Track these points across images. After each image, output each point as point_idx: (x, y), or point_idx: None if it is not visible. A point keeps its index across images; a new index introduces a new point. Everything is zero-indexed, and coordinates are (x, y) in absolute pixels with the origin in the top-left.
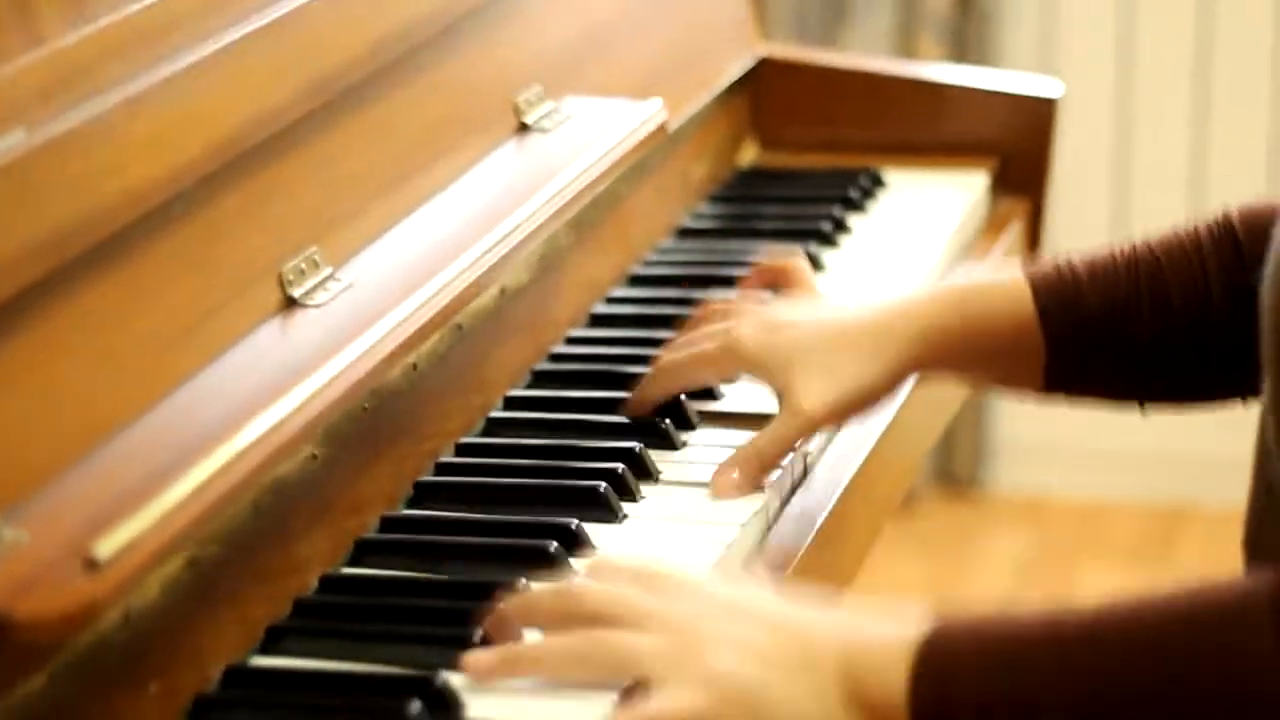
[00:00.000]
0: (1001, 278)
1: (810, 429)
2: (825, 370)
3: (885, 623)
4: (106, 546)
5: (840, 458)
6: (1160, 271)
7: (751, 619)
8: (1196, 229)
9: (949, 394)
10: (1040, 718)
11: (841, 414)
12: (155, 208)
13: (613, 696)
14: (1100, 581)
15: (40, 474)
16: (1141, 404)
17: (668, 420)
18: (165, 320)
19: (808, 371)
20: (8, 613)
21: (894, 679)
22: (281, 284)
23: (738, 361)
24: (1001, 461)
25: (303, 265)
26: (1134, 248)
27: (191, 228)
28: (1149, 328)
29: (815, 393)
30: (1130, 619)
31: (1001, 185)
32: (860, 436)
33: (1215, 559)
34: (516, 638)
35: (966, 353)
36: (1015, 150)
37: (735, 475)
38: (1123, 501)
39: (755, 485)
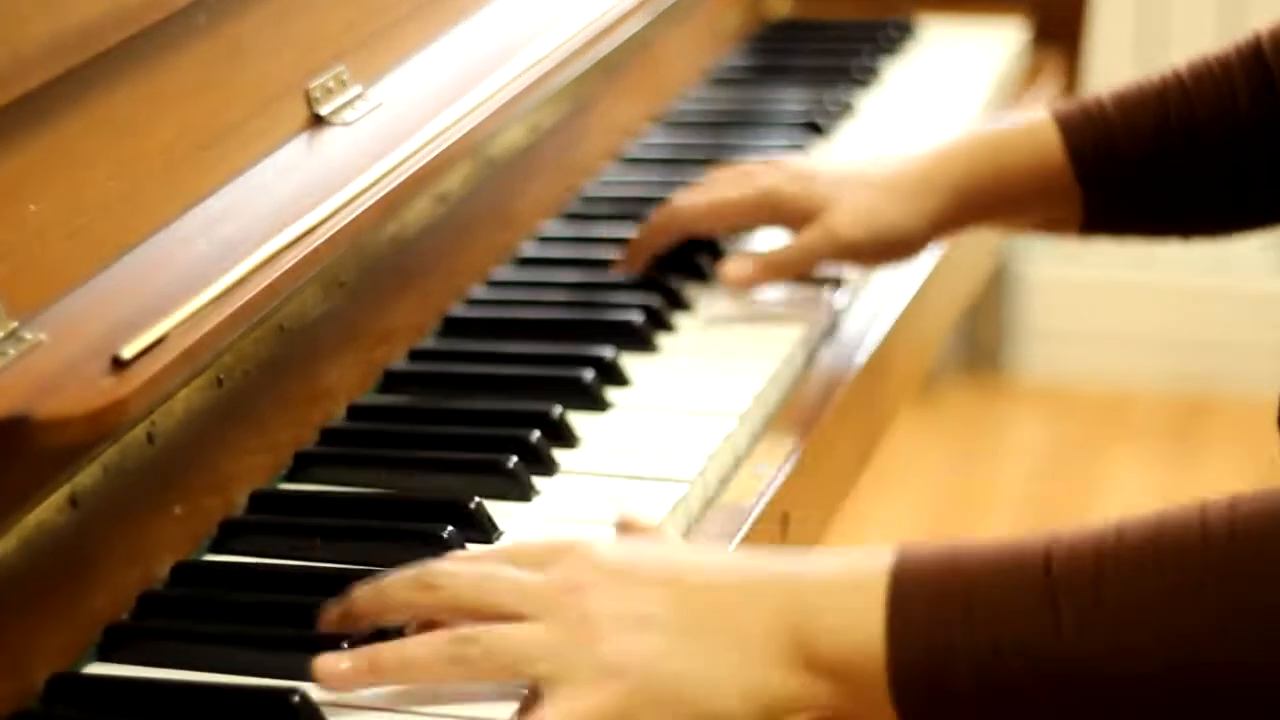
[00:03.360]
0: (1030, 122)
1: (838, 251)
2: (862, 205)
3: (835, 559)
4: (133, 346)
5: (870, 313)
6: (1190, 101)
7: (651, 583)
8: (1225, 55)
9: (980, 253)
10: (1057, 656)
11: (873, 248)
12: (178, 12)
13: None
14: (1125, 468)
15: (61, 281)
16: (1183, 236)
17: (704, 257)
18: (190, 131)
19: (844, 203)
20: (30, 413)
21: (859, 622)
22: (309, 101)
23: (770, 205)
24: (1026, 346)
25: (330, 83)
26: (1162, 79)
27: (216, 39)
28: (1182, 160)
29: (849, 217)
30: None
31: (1039, 35)
32: (891, 291)
33: (1241, 445)
34: (369, 628)
35: (1002, 201)
36: None
37: (750, 271)
38: (1149, 387)
39: (762, 284)
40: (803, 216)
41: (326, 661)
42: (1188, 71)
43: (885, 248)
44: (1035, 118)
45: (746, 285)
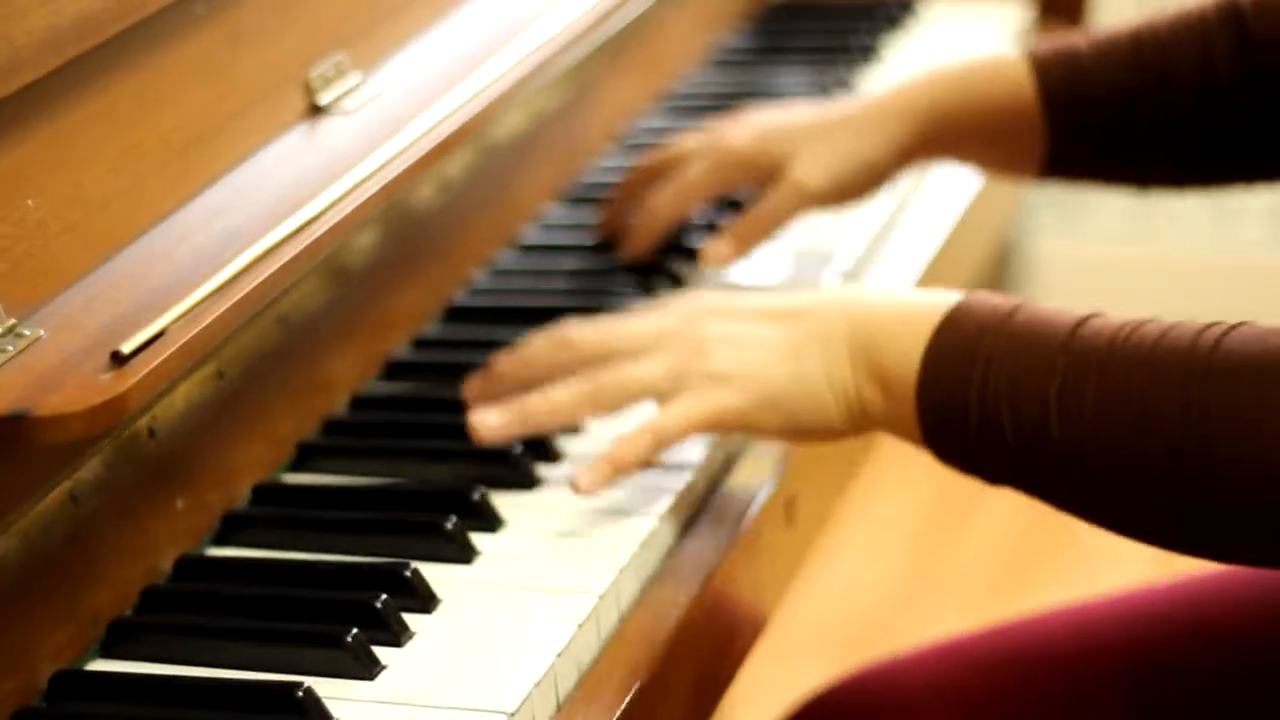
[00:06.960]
0: (1000, 59)
1: (807, 203)
2: (825, 148)
3: (908, 295)
4: (132, 341)
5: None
6: (1165, 51)
7: (751, 314)
8: (1202, 9)
9: (1001, 212)
10: (1047, 415)
11: (841, 190)
12: (177, 1)
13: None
14: None
15: (60, 276)
16: (1141, 185)
17: (701, 236)
18: (189, 123)
19: (806, 151)
20: (29, 410)
21: (908, 345)
22: (308, 90)
23: (733, 166)
24: None
25: (329, 72)
26: (1138, 29)
27: (214, 30)
28: (1153, 109)
29: (814, 166)
30: (1155, 345)
31: (1043, 13)
32: (901, 269)
33: None
34: (506, 395)
35: (966, 133)
36: None
37: (726, 249)
38: None
39: (744, 254)
40: (766, 172)
41: (480, 418)
42: (1164, 23)
43: (852, 186)
44: (1006, 56)
45: (727, 263)
